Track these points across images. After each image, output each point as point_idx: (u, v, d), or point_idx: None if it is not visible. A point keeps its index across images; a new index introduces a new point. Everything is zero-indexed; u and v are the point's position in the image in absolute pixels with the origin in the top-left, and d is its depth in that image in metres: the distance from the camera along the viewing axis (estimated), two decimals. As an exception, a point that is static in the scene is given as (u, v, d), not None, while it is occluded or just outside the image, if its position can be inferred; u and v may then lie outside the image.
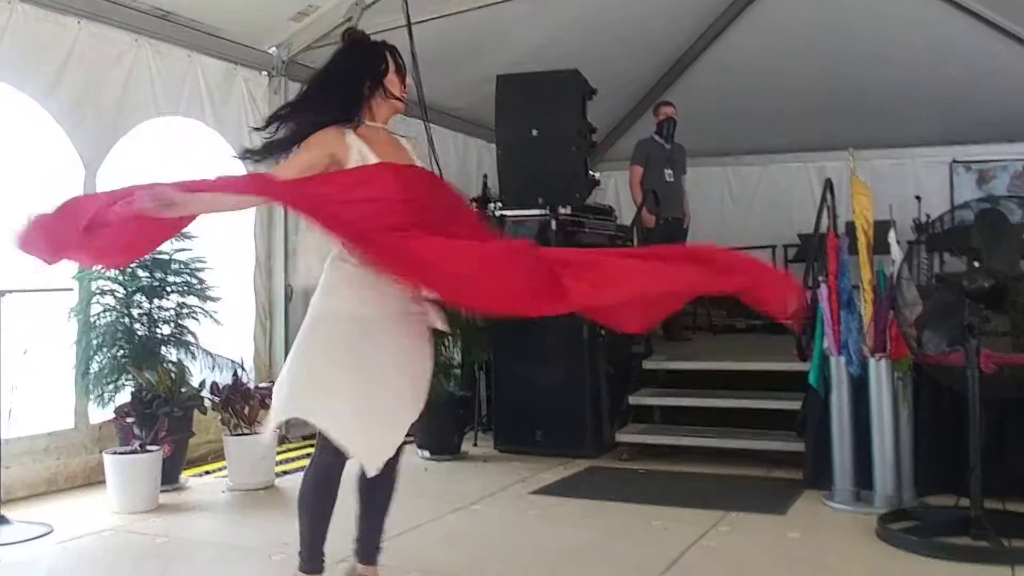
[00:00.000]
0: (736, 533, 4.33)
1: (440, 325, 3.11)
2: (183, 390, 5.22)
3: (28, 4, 5.09)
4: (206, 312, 5.62)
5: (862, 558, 3.94)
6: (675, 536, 4.23)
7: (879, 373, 4.70)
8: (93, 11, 5.46)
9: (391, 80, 3.09)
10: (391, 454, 2.99)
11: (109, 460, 4.82)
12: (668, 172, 7.82)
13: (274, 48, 6.88)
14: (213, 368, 5.65)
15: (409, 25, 6.34)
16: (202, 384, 5.44)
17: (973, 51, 8.28)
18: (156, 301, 5.45)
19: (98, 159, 5.53)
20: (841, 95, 8.85)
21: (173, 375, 5.22)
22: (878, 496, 4.68)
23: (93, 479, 5.25)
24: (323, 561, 3.12)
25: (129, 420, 5.00)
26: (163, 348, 5.42)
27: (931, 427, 4.80)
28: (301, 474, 3.14)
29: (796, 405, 5.39)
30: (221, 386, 5.44)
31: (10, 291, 4.43)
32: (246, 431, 5.36)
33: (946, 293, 4.19)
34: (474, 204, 6.24)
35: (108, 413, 5.21)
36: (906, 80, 8.58)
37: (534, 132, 6.33)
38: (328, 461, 3.00)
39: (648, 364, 6.60)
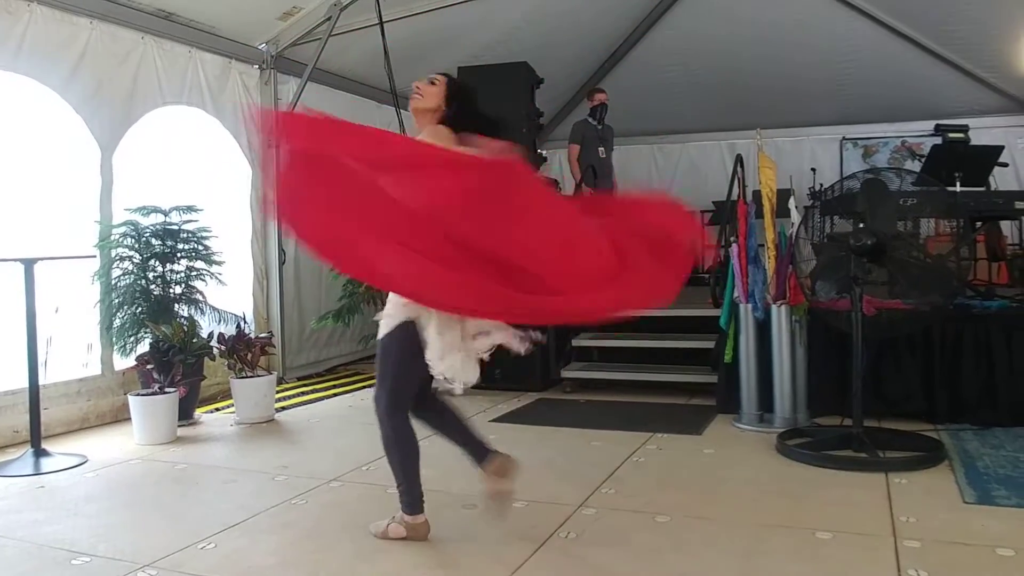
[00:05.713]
0: (661, 450, 4.41)
1: None
2: (194, 340, 5.20)
3: (44, 6, 4.96)
4: (212, 274, 5.57)
5: (764, 468, 4.03)
6: (611, 453, 4.30)
7: (779, 317, 4.79)
8: (103, 12, 5.34)
9: None
10: None
11: (133, 401, 4.83)
12: (600, 149, 7.80)
13: (263, 44, 6.76)
14: (219, 321, 5.62)
15: (381, 23, 6.29)
16: (210, 335, 5.42)
17: (860, 45, 8.37)
18: (168, 265, 5.41)
19: (113, 143, 5.44)
20: (749, 83, 8.90)
21: (185, 328, 5.20)
22: (777, 418, 4.79)
23: (119, 417, 5.25)
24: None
25: (149, 367, 4.99)
26: (176, 305, 5.39)
27: (821, 361, 4.90)
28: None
29: (711, 344, 5.50)
30: (227, 336, 5.43)
31: (41, 258, 4.38)
32: (249, 374, 5.38)
33: (836, 250, 4.22)
34: None
35: (130, 361, 5.18)
36: (804, 69, 8.66)
37: (490, 116, 6.31)
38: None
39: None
